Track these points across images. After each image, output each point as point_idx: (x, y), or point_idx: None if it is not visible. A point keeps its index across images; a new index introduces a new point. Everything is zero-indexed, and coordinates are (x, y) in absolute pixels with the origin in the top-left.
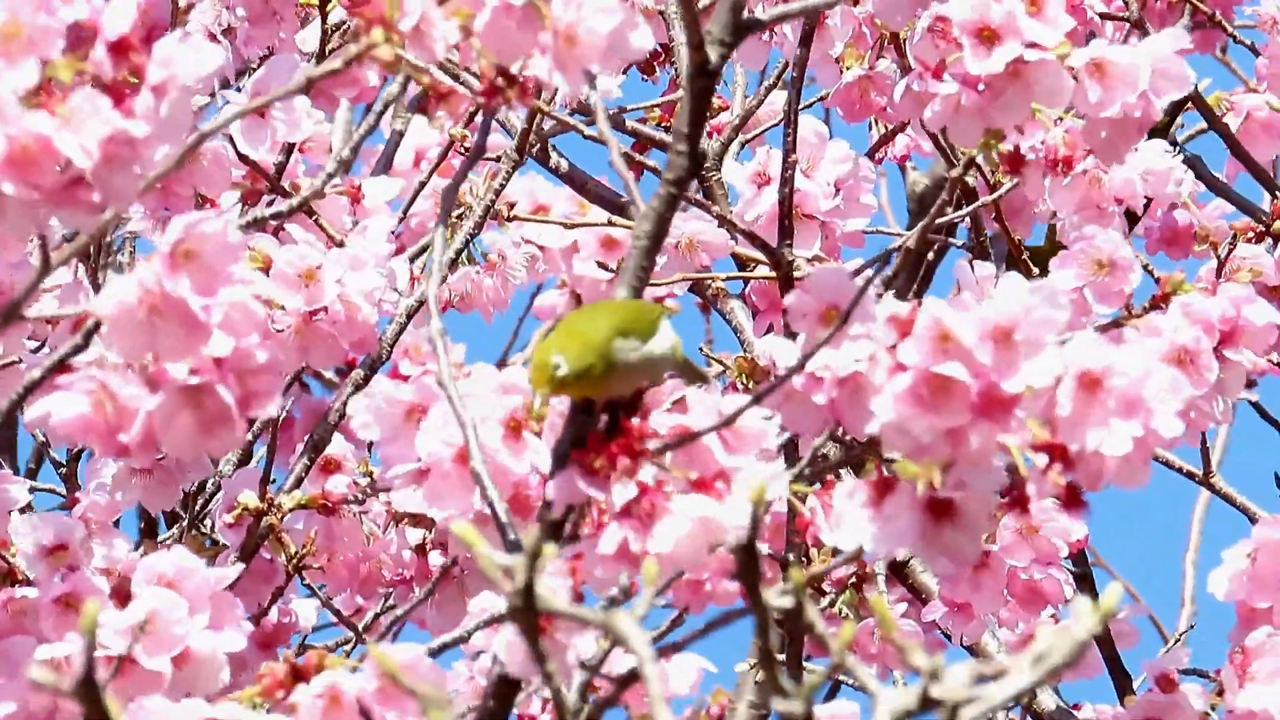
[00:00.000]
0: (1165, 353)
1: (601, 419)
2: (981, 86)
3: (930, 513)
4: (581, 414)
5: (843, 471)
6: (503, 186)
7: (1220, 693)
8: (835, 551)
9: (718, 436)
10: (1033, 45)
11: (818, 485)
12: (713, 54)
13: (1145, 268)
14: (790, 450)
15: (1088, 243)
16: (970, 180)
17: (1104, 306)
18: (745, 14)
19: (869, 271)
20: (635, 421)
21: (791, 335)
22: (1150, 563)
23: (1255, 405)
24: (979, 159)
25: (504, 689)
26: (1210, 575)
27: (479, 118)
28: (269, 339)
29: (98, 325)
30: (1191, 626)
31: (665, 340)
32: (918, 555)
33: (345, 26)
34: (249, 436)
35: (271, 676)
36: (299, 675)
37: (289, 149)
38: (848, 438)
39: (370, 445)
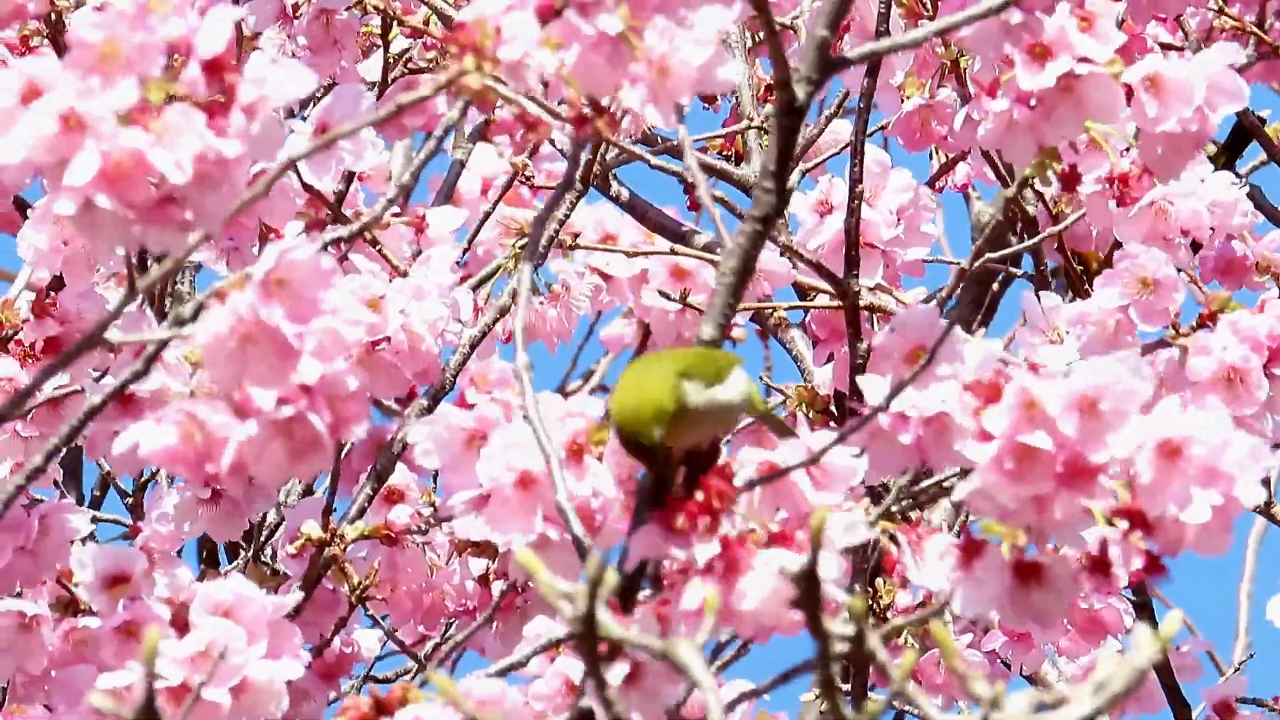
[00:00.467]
0: (1214, 371)
1: (679, 474)
2: (1033, 102)
3: (1018, 576)
4: (658, 468)
5: (924, 511)
6: (567, 216)
7: None
8: (903, 583)
9: (806, 474)
10: (1084, 60)
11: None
12: (800, 92)
13: (1196, 284)
14: (874, 489)
15: (1132, 261)
16: (1031, 209)
17: (1148, 325)
18: (832, 53)
19: (936, 306)
20: (713, 477)
21: (858, 366)
22: (1204, 593)
23: None
24: (1037, 183)
25: None
26: (1270, 603)
27: (543, 147)
28: (354, 364)
29: (158, 353)
30: (1251, 655)
31: (736, 387)
32: (1005, 618)
33: (408, 55)
34: None
35: (355, 710)
36: (382, 709)
37: (349, 178)
38: (925, 481)
39: (435, 475)
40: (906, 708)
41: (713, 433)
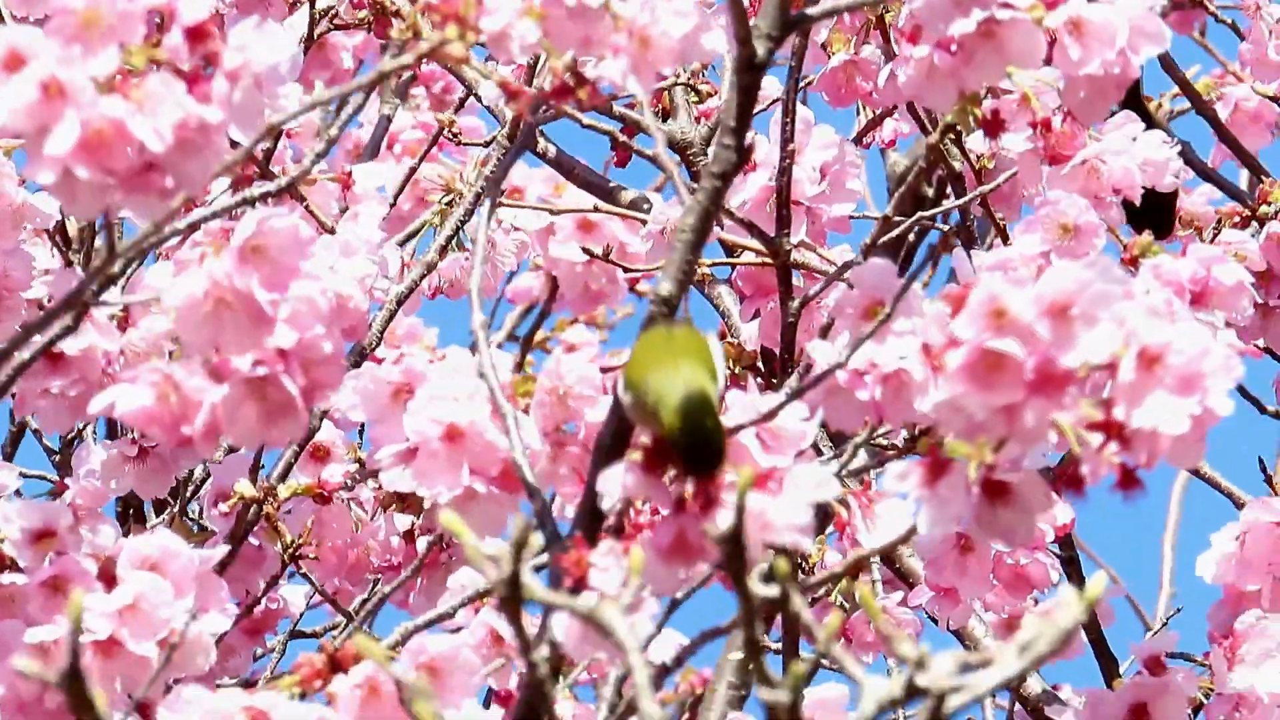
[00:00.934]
0: None
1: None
2: (954, 48)
3: (985, 493)
4: (619, 407)
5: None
6: (493, 173)
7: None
8: (853, 544)
9: (756, 437)
10: (1005, 5)
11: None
12: (760, 48)
13: (1112, 231)
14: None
15: (1052, 208)
16: (958, 165)
17: None
18: (792, 9)
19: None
20: None
21: (789, 324)
22: (1128, 542)
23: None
24: (964, 139)
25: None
26: (1199, 559)
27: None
28: (333, 328)
29: (85, 310)
30: (1178, 610)
31: (722, 374)
32: (973, 535)
33: (333, 10)
34: None
35: (309, 666)
36: (337, 665)
37: (276, 135)
38: (886, 440)
39: (360, 430)
40: (833, 668)
41: None
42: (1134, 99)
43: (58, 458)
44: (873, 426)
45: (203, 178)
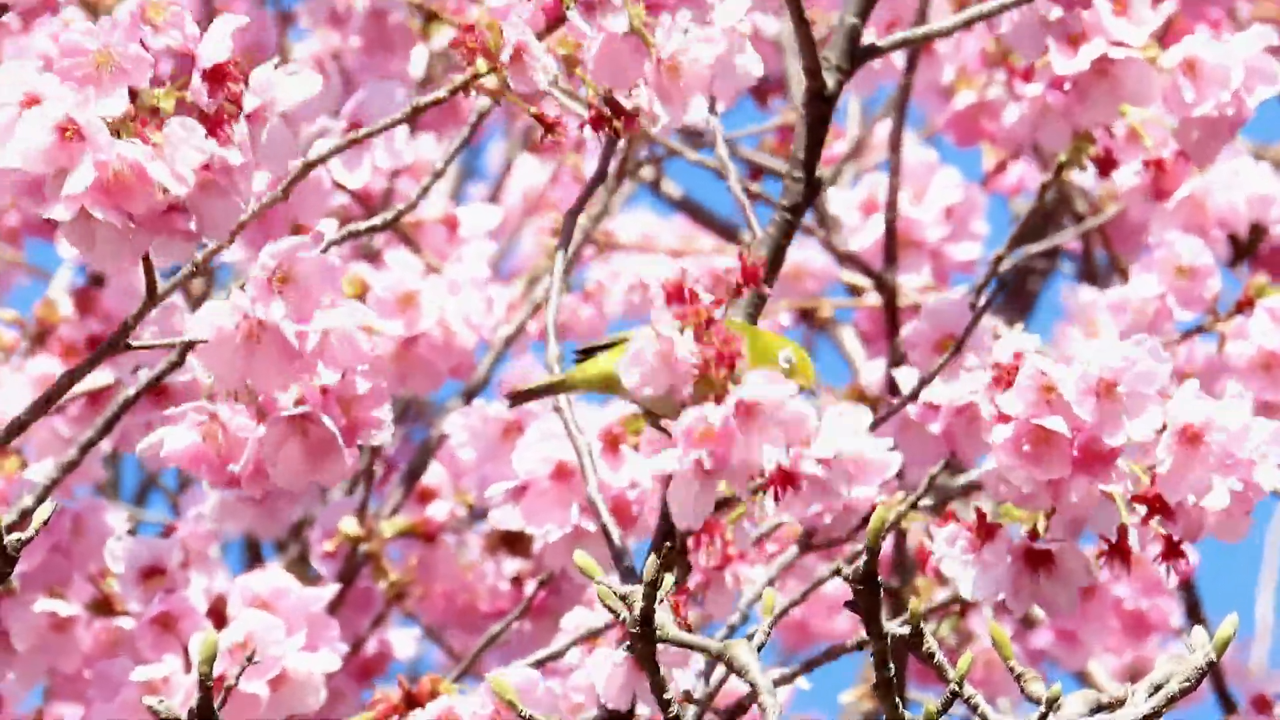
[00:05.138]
0: (1251, 357)
1: None
2: (1067, 86)
3: (1027, 562)
4: None
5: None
6: (602, 214)
7: None
8: (938, 577)
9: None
10: (1118, 44)
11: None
12: (829, 80)
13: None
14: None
15: (1169, 249)
16: (1081, 206)
17: (1186, 311)
18: (862, 41)
19: (972, 298)
20: None
21: (898, 360)
22: (1222, 579)
23: None
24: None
25: None
26: None
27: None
28: (374, 366)
29: (192, 345)
30: None
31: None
32: (1011, 603)
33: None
34: None
35: (386, 702)
36: (413, 701)
37: (394, 175)
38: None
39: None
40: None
41: None
42: None
43: (174, 498)
44: (945, 461)
45: (227, 220)
